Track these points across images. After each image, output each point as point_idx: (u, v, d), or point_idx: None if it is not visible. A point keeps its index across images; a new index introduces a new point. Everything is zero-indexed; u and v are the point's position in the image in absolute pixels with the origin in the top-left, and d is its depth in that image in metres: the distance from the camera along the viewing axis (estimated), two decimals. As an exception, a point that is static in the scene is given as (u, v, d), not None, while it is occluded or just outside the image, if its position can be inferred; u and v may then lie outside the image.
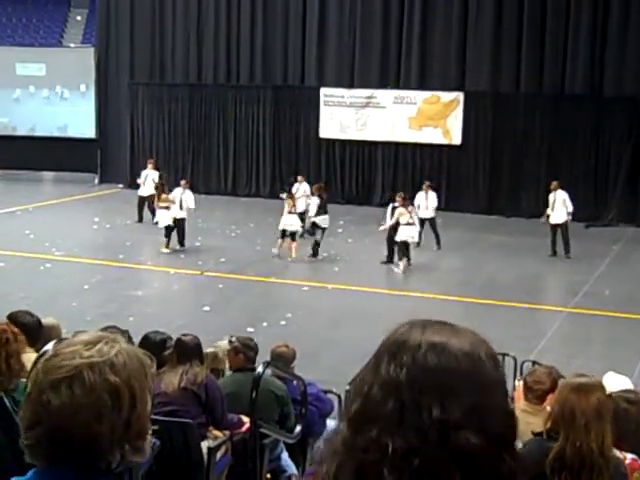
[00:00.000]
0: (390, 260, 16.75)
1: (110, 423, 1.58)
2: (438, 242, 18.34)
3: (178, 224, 17.85)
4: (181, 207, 17.82)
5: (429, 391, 1.29)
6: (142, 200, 20.56)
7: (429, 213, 18.55)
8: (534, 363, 7.36)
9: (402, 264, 16.42)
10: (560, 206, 17.73)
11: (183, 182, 18.60)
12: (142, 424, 1.64)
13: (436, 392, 1.29)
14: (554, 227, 17.79)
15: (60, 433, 1.57)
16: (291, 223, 17.30)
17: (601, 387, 3.72)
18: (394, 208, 16.93)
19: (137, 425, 1.62)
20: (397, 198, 17.00)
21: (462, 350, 1.33)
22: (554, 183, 18.13)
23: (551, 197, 18.03)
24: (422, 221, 18.28)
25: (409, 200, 17.22)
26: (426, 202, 18.61)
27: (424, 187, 19.00)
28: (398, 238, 16.43)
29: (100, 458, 1.60)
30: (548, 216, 17.93)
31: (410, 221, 16.55)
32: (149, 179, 20.67)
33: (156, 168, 21.32)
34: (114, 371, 1.59)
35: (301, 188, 19.49)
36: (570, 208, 17.87)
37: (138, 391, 1.62)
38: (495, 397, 1.34)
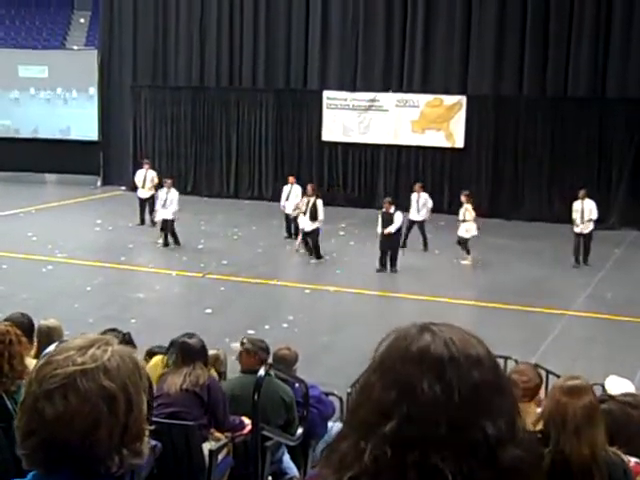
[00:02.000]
0: (384, 267, 16.70)
1: (107, 429, 1.56)
2: (425, 244, 18.42)
3: (166, 225, 18.12)
4: (164, 206, 18.14)
5: (481, 409, 1.27)
6: (143, 202, 20.55)
7: (420, 216, 18.47)
8: (535, 366, 7.34)
9: (469, 258, 17.17)
10: (588, 215, 17.31)
11: (168, 182, 18.81)
12: (139, 426, 1.62)
13: (486, 409, 1.28)
14: (579, 236, 17.34)
15: (56, 442, 1.55)
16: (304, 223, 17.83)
17: (591, 390, 3.71)
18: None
19: (134, 428, 1.60)
20: (462, 197, 17.63)
21: (488, 359, 1.33)
22: (582, 192, 17.57)
23: (578, 206, 17.48)
24: (411, 223, 18.31)
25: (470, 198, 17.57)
26: (417, 204, 18.55)
27: (416, 188, 18.98)
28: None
29: (99, 463, 1.58)
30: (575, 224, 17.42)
31: (464, 218, 17.25)
32: (148, 180, 20.70)
33: (152, 168, 21.42)
34: (108, 376, 1.57)
35: (293, 190, 19.46)
36: (595, 217, 17.40)
37: (133, 394, 1.60)
38: (516, 404, 1.36)
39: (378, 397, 1.30)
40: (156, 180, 20.46)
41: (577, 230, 17.36)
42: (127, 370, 1.61)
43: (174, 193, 18.51)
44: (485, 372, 1.30)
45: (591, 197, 17.70)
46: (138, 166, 26.51)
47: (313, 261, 17.33)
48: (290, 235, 19.05)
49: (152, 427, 1.72)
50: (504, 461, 1.26)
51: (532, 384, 4.97)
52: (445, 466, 1.23)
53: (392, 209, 16.79)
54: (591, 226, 17.34)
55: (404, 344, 1.33)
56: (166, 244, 18.27)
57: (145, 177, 20.85)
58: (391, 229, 16.48)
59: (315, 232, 17.37)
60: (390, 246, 16.53)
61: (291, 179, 19.81)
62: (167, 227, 18.21)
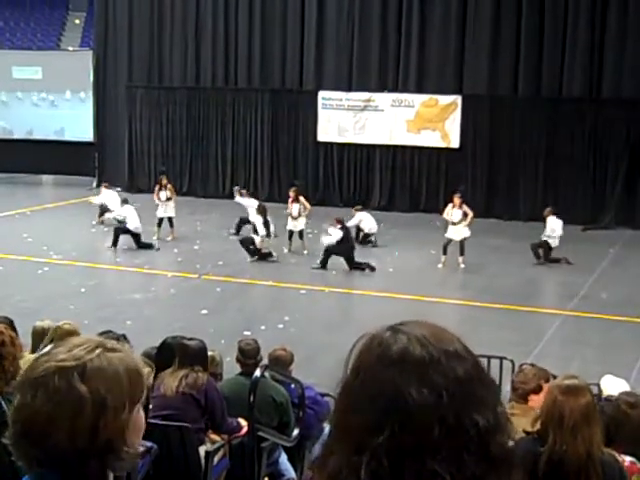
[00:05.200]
0: (324, 266, 16.75)
1: (67, 431, 1.53)
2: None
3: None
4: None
5: (469, 403, 1.27)
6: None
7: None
8: (532, 366, 7.35)
9: (444, 259, 17.12)
10: (550, 232, 17.35)
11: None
12: (114, 434, 1.56)
13: (474, 402, 1.27)
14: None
15: (23, 436, 1.55)
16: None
17: (589, 389, 3.71)
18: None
19: (106, 434, 1.55)
20: (456, 199, 17.48)
21: (465, 351, 1.33)
22: (547, 209, 17.85)
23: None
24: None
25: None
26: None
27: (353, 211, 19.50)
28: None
29: (74, 466, 1.55)
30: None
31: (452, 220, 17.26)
32: (112, 201, 21.02)
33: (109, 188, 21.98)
34: (83, 378, 1.54)
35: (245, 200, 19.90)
36: (555, 234, 17.36)
37: (110, 400, 1.55)
38: (497, 391, 1.36)
39: (365, 409, 1.27)
40: (117, 199, 20.80)
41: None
42: (111, 375, 1.57)
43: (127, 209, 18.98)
44: (466, 365, 1.30)
45: (558, 215, 17.71)
46: (134, 167, 26.70)
47: (249, 260, 17.47)
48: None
49: (147, 444, 1.70)
50: (495, 451, 1.27)
51: (527, 387, 4.95)
52: (443, 468, 1.23)
53: (339, 226, 17.00)
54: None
55: (380, 350, 1.30)
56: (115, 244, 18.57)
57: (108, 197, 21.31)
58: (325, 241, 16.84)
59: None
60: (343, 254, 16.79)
61: (244, 192, 20.42)
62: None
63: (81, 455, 1.55)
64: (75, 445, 1.53)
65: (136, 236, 18.54)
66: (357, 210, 19.49)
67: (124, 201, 19.54)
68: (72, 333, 5.97)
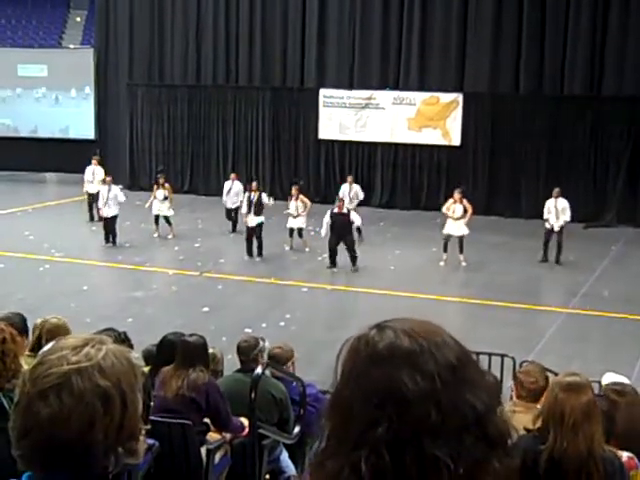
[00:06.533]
0: (334, 264, 16.67)
1: (103, 428, 1.54)
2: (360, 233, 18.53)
3: (108, 223, 18.45)
4: (107, 204, 18.51)
5: (462, 386, 1.28)
6: (92, 197, 20.73)
7: (352, 206, 18.57)
8: (531, 363, 7.35)
9: (445, 256, 17.07)
10: (561, 214, 17.32)
11: (108, 179, 19.37)
12: (134, 425, 1.61)
13: (467, 385, 1.28)
14: (550, 232, 17.37)
15: (52, 442, 1.54)
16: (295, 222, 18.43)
17: (590, 387, 3.71)
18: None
19: (129, 427, 1.59)
20: (456, 194, 17.42)
21: (451, 339, 1.34)
22: (556, 190, 17.64)
23: (551, 203, 17.54)
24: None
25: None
26: (349, 196, 18.94)
27: (348, 180, 19.71)
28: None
29: (95, 463, 1.56)
30: (547, 220, 17.47)
31: (452, 216, 17.15)
32: (97, 176, 21.02)
33: (100, 164, 21.69)
34: (103, 375, 1.56)
35: (234, 186, 20.19)
36: (568, 216, 17.35)
37: (128, 392, 1.59)
38: (486, 373, 1.37)
39: (361, 407, 1.28)
40: (102, 176, 20.67)
41: (548, 226, 17.36)
42: (122, 369, 1.60)
43: (115, 189, 18.92)
44: (455, 352, 1.31)
45: (565, 196, 17.60)
46: (135, 164, 26.70)
47: (258, 259, 17.51)
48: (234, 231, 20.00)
49: (148, 427, 1.71)
50: (492, 432, 1.28)
51: (537, 386, 4.93)
52: (443, 453, 1.23)
53: (345, 209, 16.93)
54: (562, 222, 17.26)
55: (369, 349, 1.31)
56: (107, 240, 18.51)
57: (93, 173, 21.26)
58: (357, 224, 17.11)
59: (260, 227, 17.63)
60: (345, 242, 16.58)
61: (233, 176, 20.64)
62: (109, 225, 18.50)
63: (105, 450, 1.57)
64: (107, 442, 1.55)
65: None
66: (351, 182, 19.73)
67: (103, 181, 19.59)
68: (60, 328, 5.92)
